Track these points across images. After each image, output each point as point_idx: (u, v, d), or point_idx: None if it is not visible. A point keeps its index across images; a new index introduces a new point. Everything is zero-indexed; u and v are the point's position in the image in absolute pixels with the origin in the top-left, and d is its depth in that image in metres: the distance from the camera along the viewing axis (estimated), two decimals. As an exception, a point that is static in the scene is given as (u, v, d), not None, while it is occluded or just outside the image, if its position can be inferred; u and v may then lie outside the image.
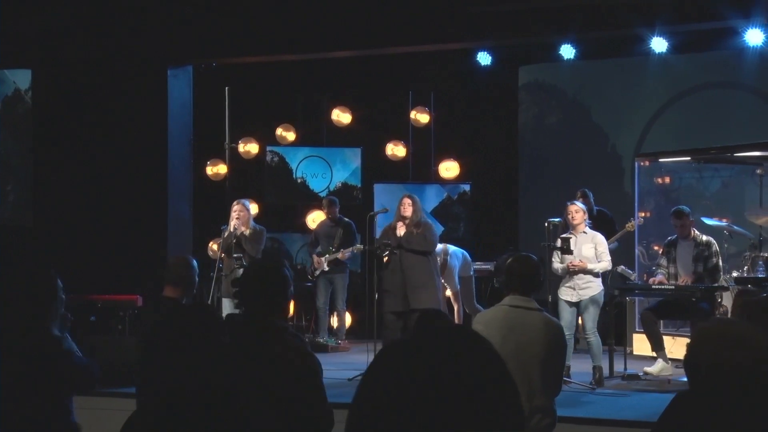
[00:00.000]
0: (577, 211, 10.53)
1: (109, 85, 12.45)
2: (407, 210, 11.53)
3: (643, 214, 13.16)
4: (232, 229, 11.63)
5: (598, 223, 11.66)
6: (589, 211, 11.61)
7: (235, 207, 11.81)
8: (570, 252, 10.23)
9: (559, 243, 10.34)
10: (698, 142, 13.72)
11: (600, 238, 10.62)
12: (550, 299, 10.36)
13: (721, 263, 10.76)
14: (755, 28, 11.96)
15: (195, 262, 6.75)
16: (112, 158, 12.35)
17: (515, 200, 15.93)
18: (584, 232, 10.54)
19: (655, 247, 13.06)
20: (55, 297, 5.62)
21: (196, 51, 12.62)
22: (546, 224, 10.61)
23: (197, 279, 6.78)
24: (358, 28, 12.07)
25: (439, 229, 12.93)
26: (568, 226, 10.79)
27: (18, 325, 5.64)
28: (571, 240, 10.40)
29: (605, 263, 10.48)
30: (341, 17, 12.04)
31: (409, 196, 11.77)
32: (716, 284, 10.52)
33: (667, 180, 14.30)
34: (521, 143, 16.15)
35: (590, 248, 10.41)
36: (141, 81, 12.40)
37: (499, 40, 12.88)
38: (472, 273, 12.84)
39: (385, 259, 11.22)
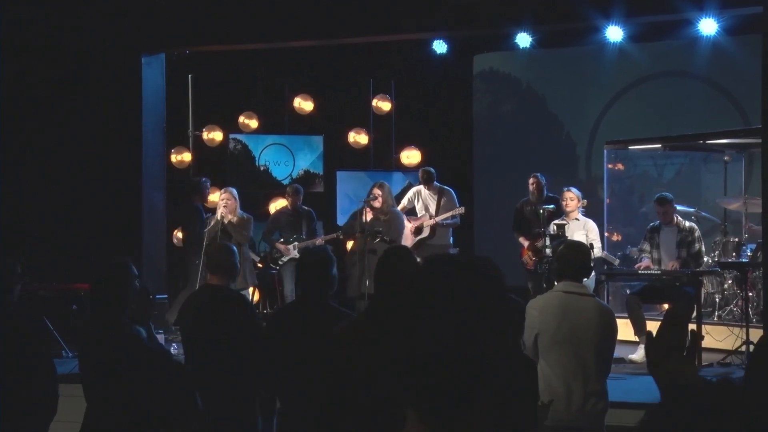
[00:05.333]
0: (572, 198, 10.74)
1: (82, 73, 12.28)
2: (377, 200, 11.86)
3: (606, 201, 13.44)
4: (219, 218, 11.60)
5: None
6: (540, 192, 11.84)
7: (223, 195, 11.79)
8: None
9: (553, 229, 10.53)
10: (652, 130, 13.98)
11: (592, 224, 10.84)
12: (545, 285, 10.53)
13: (703, 248, 11.04)
14: (709, 18, 12.23)
15: (235, 249, 6.82)
16: (86, 147, 12.19)
17: (471, 187, 16.09)
18: (577, 219, 10.75)
19: (606, 233, 13.37)
20: (128, 287, 5.58)
21: (170, 39, 12.51)
22: (541, 211, 10.78)
23: (239, 266, 6.87)
24: (320, 18, 12.11)
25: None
26: (551, 214, 10.99)
27: (93, 317, 5.65)
28: (564, 226, 10.61)
29: (596, 249, 10.69)
30: (304, 7, 12.07)
31: (379, 186, 12.03)
32: (701, 269, 10.78)
33: (620, 166, 14.57)
34: (476, 131, 16.31)
35: (582, 234, 10.62)
36: (114, 69, 12.26)
37: (455, 30, 13.01)
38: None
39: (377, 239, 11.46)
